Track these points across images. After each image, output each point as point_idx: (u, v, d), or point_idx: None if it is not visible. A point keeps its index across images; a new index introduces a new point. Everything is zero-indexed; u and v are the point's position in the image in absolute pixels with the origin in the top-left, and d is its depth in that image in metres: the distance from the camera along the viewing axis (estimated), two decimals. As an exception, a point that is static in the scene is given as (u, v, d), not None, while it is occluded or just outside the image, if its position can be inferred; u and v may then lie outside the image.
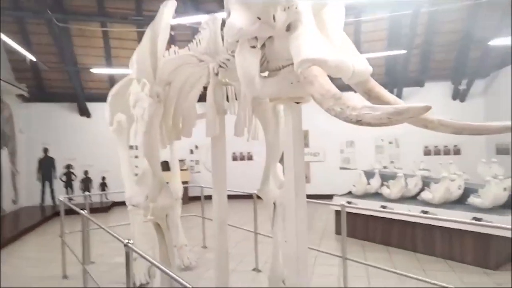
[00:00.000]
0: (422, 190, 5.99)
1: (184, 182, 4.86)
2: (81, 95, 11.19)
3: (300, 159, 2.60)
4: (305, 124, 3.00)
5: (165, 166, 11.72)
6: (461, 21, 9.48)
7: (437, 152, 11.02)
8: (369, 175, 7.20)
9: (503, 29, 8.41)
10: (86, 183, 11.30)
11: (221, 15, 3.56)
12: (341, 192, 7.73)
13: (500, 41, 7.98)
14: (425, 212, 5.41)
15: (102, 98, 11.87)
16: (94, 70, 9.88)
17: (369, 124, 1.67)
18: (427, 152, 11.11)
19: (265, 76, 2.53)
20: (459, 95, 10.81)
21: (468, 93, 10.67)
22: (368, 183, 6.80)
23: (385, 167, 7.84)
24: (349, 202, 6.47)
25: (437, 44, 10.17)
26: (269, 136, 3.72)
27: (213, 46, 3.48)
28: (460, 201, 5.50)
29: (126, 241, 2.51)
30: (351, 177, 11.18)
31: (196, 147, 12.58)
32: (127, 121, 5.08)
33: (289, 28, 2.23)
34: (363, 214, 6.40)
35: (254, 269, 5.08)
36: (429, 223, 5.39)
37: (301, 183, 2.55)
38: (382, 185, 6.55)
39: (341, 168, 11.72)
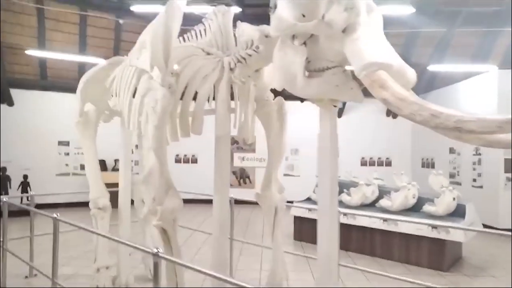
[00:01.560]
0: (378, 198, 6.43)
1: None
2: (3, 79, 9.64)
3: (336, 163, 2.57)
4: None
5: (102, 165, 10.82)
6: (398, 46, 10.49)
7: (372, 163, 11.97)
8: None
9: (436, 56, 9.57)
10: (4, 182, 9.71)
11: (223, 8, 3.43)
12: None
13: (435, 67, 9.04)
14: (385, 219, 5.82)
15: (29, 85, 10.58)
16: (30, 52, 8.60)
17: (471, 132, 1.69)
18: (363, 163, 11.99)
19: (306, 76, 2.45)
20: (391, 112, 11.92)
21: (401, 111, 11.82)
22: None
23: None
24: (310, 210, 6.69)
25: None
26: (272, 139, 3.62)
27: (223, 40, 3.28)
28: (414, 209, 6.03)
29: (155, 250, 2.18)
30: (295, 184, 11.56)
31: (136, 147, 11.72)
32: (95, 112, 4.52)
33: (344, 29, 2.20)
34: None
35: (228, 277, 4.86)
36: (389, 229, 5.81)
37: (336, 187, 2.53)
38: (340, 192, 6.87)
39: (285, 175, 12.00)
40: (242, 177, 12.16)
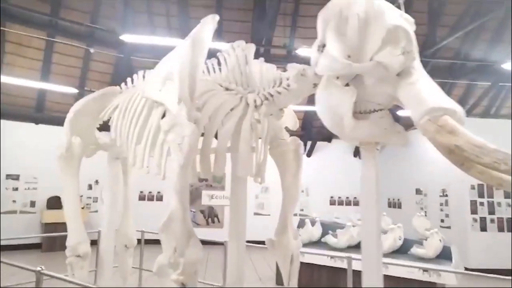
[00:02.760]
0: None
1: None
2: None
3: (380, 206, 2.48)
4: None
5: (56, 202, 9.78)
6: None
7: (341, 203, 12.10)
8: (302, 223, 7.36)
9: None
10: None
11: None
12: (253, 238, 7.61)
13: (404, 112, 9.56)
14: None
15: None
16: (-13, 76, 7.77)
17: None
18: (332, 202, 12.09)
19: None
20: (359, 153, 12.34)
21: (367, 152, 12.27)
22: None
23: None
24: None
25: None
26: (287, 180, 3.43)
27: (242, 76, 3.14)
28: (400, 251, 6.03)
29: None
30: (265, 223, 11.27)
31: (97, 182, 10.86)
32: (80, 145, 4.05)
33: (399, 72, 2.18)
34: (306, 263, 6.40)
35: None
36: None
37: (380, 232, 2.41)
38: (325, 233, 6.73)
39: (255, 214, 11.69)
40: (210, 216, 11.64)
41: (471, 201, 8.26)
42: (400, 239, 6.05)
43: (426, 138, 1.97)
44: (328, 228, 6.77)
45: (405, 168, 10.74)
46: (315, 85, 2.71)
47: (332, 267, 6.23)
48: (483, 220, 8.18)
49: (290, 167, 3.42)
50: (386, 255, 5.83)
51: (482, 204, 8.24)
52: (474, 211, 8.21)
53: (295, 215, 11.90)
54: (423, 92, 2.08)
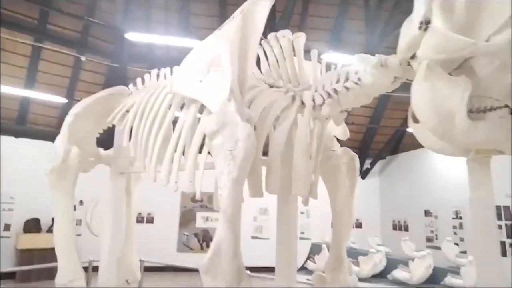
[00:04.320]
0: (387, 268, 5.76)
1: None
2: None
3: (496, 231, 1.90)
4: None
5: (34, 225, 8.76)
6: (369, 109, 10.72)
7: (343, 225, 11.48)
8: (317, 248, 6.70)
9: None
10: None
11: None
12: (250, 264, 6.89)
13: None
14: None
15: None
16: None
17: None
18: (334, 224, 11.45)
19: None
20: (360, 172, 11.87)
21: (370, 172, 11.82)
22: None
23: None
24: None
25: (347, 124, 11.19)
26: (340, 201, 2.82)
27: (290, 70, 2.56)
28: (431, 281, 5.43)
29: None
30: (264, 247, 10.55)
31: (81, 202, 9.88)
32: (77, 157, 3.33)
33: None
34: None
35: None
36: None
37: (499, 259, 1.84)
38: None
39: (253, 237, 10.91)
40: (205, 240, 10.77)
41: (488, 223, 7.79)
42: (430, 267, 5.47)
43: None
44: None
45: (412, 188, 10.29)
46: (396, 80, 2.16)
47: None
48: (502, 244, 7.71)
49: (342, 185, 2.81)
50: (416, 286, 5.22)
51: (500, 227, 7.78)
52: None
53: (299, 238, 11.28)
54: None
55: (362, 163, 11.72)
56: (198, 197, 2.15)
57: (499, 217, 7.85)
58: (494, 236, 1.87)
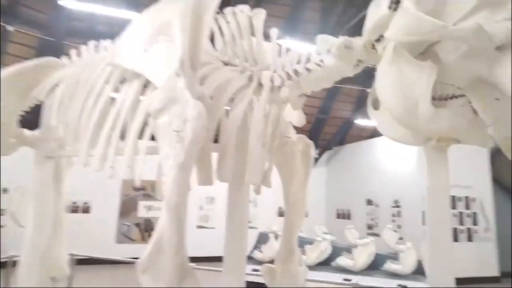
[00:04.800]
0: (332, 255, 5.87)
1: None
2: None
3: (449, 218, 1.91)
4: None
5: None
6: (319, 100, 10.88)
7: (289, 214, 11.65)
8: (264, 237, 6.68)
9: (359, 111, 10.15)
10: None
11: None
12: (195, 254, 6.79)
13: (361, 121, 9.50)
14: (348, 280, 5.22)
15: None
16: None
17: None
18: (280, 213, 11.56)
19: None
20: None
21: (317, 162, 12.07)
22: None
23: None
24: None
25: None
26: (294, 190, 2.71)
27: (248, 49, 2.37)
28: (372, 267, 5.62)
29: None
30: (210, 237, 10.38)
31: (5, 190, 8.88)
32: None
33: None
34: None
35: None
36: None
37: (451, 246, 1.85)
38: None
39: (198, 227, 10.66)
40: (148, 230, 10.28)
41: (422, 211, 8.33)
42: (372, 254, 5.66)
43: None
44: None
45: (356, 178, 10.69)
46: (359, 63, 2.07)
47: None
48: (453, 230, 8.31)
49: (297, 173, 2.70)
50: (359, 272, 5.38)
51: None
52: (425, 222, 8.29)
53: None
54: None
55: (309, 153, 11.94)
56: (138, 184, 1.88)
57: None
58: (448, 222, 1.87)
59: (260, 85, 2.20)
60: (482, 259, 8.43)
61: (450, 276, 1.87)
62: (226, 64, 2.32)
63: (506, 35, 1.54)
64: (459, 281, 7.76)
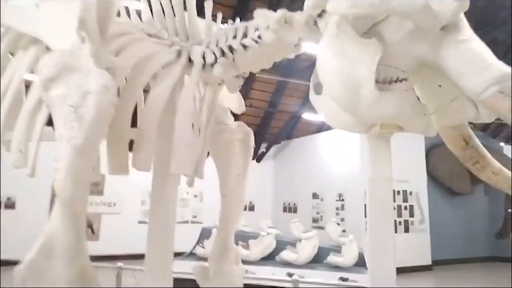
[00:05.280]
0: (276, 249, 5.76)
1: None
2: None
3: (392, 210, 1.82)
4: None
5: None
6: (268, 94, 10.75)
7: (236, 208, 11.46)
8: (207, 232, 6.41)
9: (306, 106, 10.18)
10: None
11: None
12: (136, 251, 6.42)
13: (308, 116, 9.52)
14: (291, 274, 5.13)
15: None
16: None
17: None
18: (227, 207, 11.35)
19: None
20: (256, 156, 11.95)
21: (265, 156, 12.00)
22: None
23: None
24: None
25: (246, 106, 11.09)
26: (231, 181, 2.47)
27: (178, 23, 2.09)
28: (316, 260, 5.59)
29: None
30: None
31: None
32: None
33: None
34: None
35: None
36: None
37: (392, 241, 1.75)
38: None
39: (140, 222, 10.08)
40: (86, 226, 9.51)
41: (365, 205, 8.57)
42: (316, 247, 5.63)
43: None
44: (237, 238, 5.93)
45: (302, 172, 10.77)
46: (299, 42, 1.88)
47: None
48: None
49: (235, 163, 2.47)
50: (302, 266, 5.32)
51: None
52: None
53: (186, 222, 10.82)
54: (484, 54, 1.45)
55: (258, 147, 11.80)
56: (29, 174, 1.52)
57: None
58: (389, 213, 1.75)
59: (190, 61, 1.92)
60: (417, 249, 8.89)
61: (392, 268, 1.75)
62: (150, 35, 2.01)
63: (452, 13, 1.43)
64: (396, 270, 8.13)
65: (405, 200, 9.01)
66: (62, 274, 1.28)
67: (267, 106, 10.90)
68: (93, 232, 9.60)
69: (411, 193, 9.12)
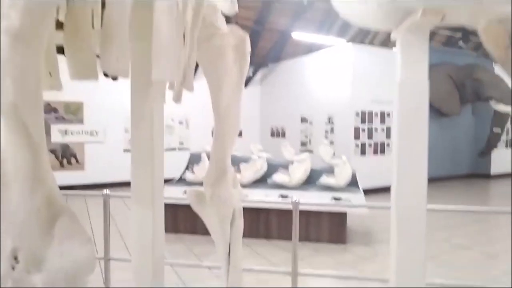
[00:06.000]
0: (268, 173, 5.68)
1: None
2: None
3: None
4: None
5: None
6: (254, 12, 9.87)
7: (223, 134, 11.28)
8: (196, 158, 6.24)
9: (295, 25, 9.44)
10: None
11: None
12: (124, 179, 6.32)
13: (295, 35, 8.86)
14: (284, 196, 5.11)
15: None
16: None
17: None
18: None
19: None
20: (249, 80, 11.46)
21: (252, 80, 11.49)
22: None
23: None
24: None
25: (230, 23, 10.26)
26: (225, 96, 2.13)
27: None
28: (308, 181, 5.56)
29: None
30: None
31: None
32: None
33: None
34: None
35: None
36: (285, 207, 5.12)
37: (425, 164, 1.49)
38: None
39: (126, 151, 9.86)
40: (66, 156, 9.25)
41: (354, 128, 8.48)
42: (308, 170, 5.56)
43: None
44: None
45: (290, 95, 10.44)
46: None
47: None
48: (363, 145, 8.58)
49: (229, 75, 2.09)
50: (295, 188, 5.28)
51: (363, 130, 8.56)
52: (356, 136, 8.50)
53: (173, 149, 10.65)
54: None
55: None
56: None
57: (363, 121, 8.59)
58: (424, 124, 1.45)
59: None
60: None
61: (424, 181, 1.46)
62: None
63: None
64: (381, 189, 8.37)
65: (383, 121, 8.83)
66: (22, 204, 0.99)
67: (253, 24, 10.09)
68: (77, 161, 9.37)
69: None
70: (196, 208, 2.16)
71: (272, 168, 5.67)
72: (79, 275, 1.09)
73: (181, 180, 5.93)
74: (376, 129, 8.72)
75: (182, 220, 5.49)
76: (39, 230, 1.04)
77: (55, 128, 9.04)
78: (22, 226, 0.99)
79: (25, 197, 1.00)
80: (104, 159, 9.52)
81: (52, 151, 9.09)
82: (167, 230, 5.65)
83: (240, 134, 11.56)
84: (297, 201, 2.81)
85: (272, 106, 11.31)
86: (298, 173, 5.23)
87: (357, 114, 8.45)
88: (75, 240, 1.11)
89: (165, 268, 4.15)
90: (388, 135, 8.81)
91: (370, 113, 8.63)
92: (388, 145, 8.82)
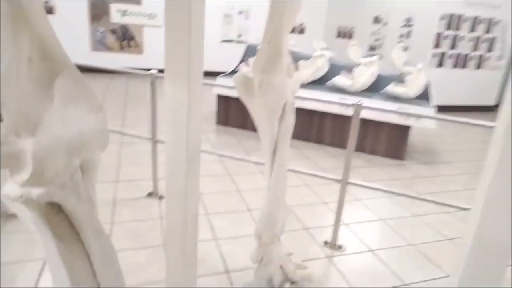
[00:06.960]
0: (329, 74, 5.14)
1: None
2: None
3: None
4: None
5: None
6: None
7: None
8: (252, 50, 5.78)
9: None
10: None
11: None
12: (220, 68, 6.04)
13: None
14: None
15: None
16: None
17: None
18: (275, 28, 10.32)
19: None
20: None
21: None
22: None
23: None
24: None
25: None
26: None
27: None
28: (372, 89, 4.99)
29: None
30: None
31: None
32: None
33: None
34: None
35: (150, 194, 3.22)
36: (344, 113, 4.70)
37: None
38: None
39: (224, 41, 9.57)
40: (125, 38, 9.22)
41: (436, 33, 7.26)
42: (375, 75, 4.92)
43: None
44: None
45: (366, -10, 9.03)
46: None
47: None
48: (443, 54, 7.45)
49: None
50: (356, 93, 4.76)
51: (446, 37, 7.33)
52: (436, 45, 7.34)
53: (230, 41, 10.15)
54: None
55: None
56: None
57: (448, 27, 7.31)
58: None
59: None
60: (484, 88, 7.94)
61: None
62: None
63: None
64: (454, 108, 7.47)
65: (488, 30, 7.50)
66: (2, 47, 0.73)
67: None
68: (136, 45, 9.33)
69: (498, 22, 7.50)
70: (243, 97, 1.87)
71: (334, 70, 5.10)
72: (85, 146, 0.87)
73: (234, 72, 5.62)
74: (462, 38, 7.42)
75: (233, 114, 5.37)
76: (32, 85, 0.79)
77: (114, 8, 8.83)
78: (4, 76, 0.75)
79: (4, 37, 0.74)
80: (163, 44, 9.37)
81: (113, 32, 9.07)
82: (219, 122, 5.63)
83: (302, 31, 10.63)
84: (360, 104, 2.41)
85: (341, 2, 9.97)
86: (363, 77, 4.65)
87: (442, 17, 7.13)
88: (82, 106, 0.87)
89: (212, 158, 4.12)
90: (476, 47, 7.50)
91: (459, 18, 7.25)
92: (471, 58, 7.58)
